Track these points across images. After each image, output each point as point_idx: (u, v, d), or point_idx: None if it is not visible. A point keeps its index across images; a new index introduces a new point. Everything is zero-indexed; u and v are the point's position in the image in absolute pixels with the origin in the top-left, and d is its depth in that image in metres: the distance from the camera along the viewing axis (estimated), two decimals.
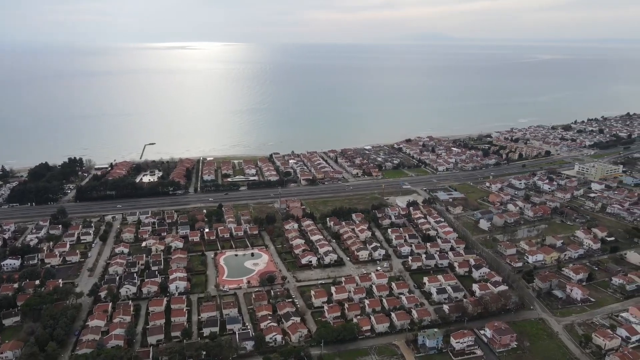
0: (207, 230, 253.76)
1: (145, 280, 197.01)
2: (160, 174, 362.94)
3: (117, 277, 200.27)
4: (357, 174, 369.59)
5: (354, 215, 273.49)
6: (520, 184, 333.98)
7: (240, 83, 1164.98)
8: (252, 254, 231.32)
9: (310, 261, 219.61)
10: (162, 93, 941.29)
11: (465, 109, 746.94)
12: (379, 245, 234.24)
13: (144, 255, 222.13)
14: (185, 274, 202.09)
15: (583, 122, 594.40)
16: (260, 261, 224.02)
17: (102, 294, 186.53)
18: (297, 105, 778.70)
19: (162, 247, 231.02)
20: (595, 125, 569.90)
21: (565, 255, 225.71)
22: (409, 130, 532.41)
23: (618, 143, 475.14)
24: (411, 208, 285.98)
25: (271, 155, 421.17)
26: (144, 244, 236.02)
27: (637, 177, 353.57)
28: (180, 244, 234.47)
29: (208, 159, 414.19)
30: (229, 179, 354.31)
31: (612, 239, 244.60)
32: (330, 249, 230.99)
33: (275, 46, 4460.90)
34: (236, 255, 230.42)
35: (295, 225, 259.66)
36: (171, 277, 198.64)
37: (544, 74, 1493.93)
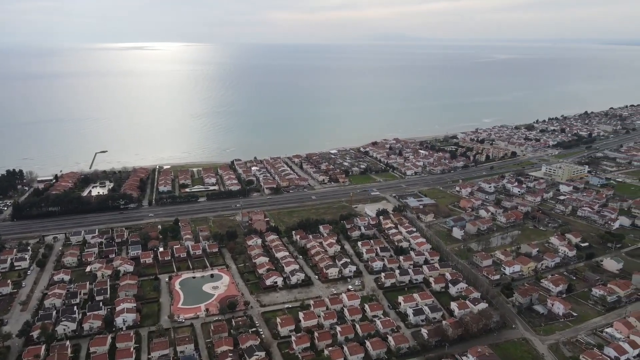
0: (161, 249, 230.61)
1: (88, 313, 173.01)
2: (111, 185, 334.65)
3: (54, 312, 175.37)
4: (324, 180, 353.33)
5: (321, 228, 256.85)
6: (490, 187, 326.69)
7: (201, 85, 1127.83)
8: (212, 276, 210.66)
9: (276, 282, 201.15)
10: (117, 96, 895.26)
11: (429, 109, 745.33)
12: (349, 261, 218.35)
13: (88, 282, 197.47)
14: (135, 304, 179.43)
15: (544, 121, 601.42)
16: (220, 284, 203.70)
17: (35, 333, 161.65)
18: (260, 108, 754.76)
19: (110, 272, 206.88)
20: (556, 124, 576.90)
21: (542, 264, 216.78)
22: (374, 132, 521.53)
23: (580, 142, 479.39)
24: (381, 217, 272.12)
25: (232, 162, 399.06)
26: (88, 268, 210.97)
27: (602, 177, 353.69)
28: (131, 267, 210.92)
29: (165, 167, 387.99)
30: (187, 190, 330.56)
31: (586, 244, 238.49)
32: (297, 267, 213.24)
33: (238, 46, 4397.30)
34: (194, 277, 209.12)
35: (259, 241, 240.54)
36: (118, 308, 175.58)
37: (502, 73, 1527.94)
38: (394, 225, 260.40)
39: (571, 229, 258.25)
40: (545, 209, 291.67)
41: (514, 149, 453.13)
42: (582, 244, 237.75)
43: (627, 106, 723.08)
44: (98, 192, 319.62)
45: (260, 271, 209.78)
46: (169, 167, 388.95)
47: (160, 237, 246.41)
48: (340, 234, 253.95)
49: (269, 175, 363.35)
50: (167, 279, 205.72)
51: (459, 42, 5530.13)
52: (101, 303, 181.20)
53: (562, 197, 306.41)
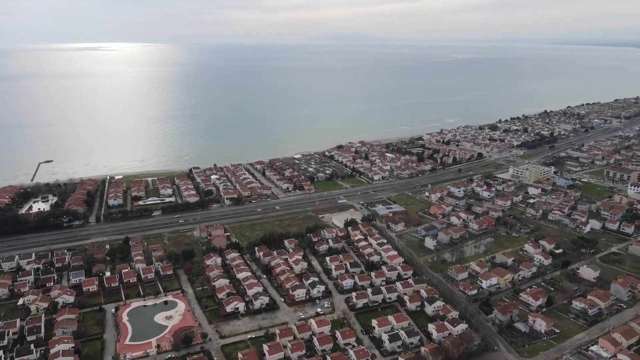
0: (108, 274, 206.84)
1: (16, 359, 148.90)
2: (55, 200, 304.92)
3: None
4: (288, 188, 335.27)
5: (286, 242, 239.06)
6: (460, 192, 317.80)
7: (159, 87, 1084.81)
8: (166, 303, 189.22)
9: (237, 308, 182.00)
10: (66, 101, 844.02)
11: (393, 110, 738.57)
12: (317, 280, 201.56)
13: (19, 319, 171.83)
14: (73, 345, 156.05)
15: (507, 120, 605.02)
16: (174, 312, 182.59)
17: None
18: (221, 111, 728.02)
19: (46, 305, 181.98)
20: (518, 124, 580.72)
21: (519, 275, 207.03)
22: (339, 135, 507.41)
23: (543, 142, 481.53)
24: (350, 228, 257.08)
25: (191, 171, 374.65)
26: (20, 301, 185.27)
27: (568, 177, 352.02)
28: (71, 298, 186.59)
29: (116, 177, 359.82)
30: (141, 203, 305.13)
31: (560, 251, 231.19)
32: (261, 289, 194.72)
33: (197, 47, 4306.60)
34: (144, 306, 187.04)
35: (219, 260, 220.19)
36: (52, 350, 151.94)
37: (462, 72, 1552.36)
38: (363, 237, 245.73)
39: (543, 234, 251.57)
40: (516, 213, 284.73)
41: (480, 150, 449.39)
42: (557, 251, 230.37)
43: (583, 105, 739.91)
44: (39, 209, 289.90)
45: (220, 296, 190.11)
46: (121, 177, 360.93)
47: (108, 258, 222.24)
48: (306, 249, 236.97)
49: (229, 184, 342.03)
50: (113, 310, 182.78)
51: (419, 42, 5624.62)
52: (32, 345, 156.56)
53: (531, 201, 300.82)
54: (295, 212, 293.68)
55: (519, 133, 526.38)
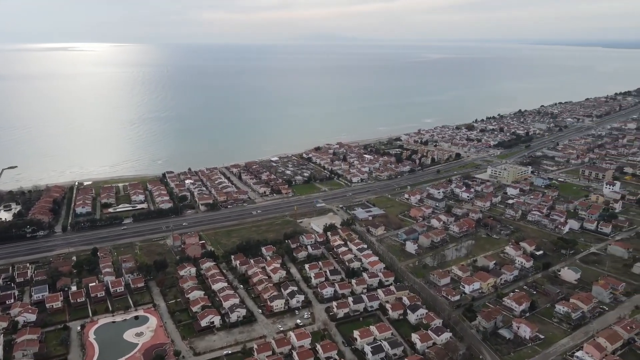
0: (74, 288, 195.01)
1: None
2: (18, 209, 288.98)
3: None
4: (265, 192, 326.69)
5: (264, 249, 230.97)
6: (439, 193, 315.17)
7: (132, 89, 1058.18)
8: (136, 318, 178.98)
9: (212, 322, 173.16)
10: (32, 103, 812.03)
11: (370, 110, 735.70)
12: (296, 289, 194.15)
13: None
14: None
15: (483, 120, 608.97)
16: (145, 328, 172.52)
17: None
18: (196, 112, 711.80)
19: (5, 324, 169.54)
20: (494, 123, 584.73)
21: (501, 279, 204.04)
22: (317, 136, 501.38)
23: (519, 141, 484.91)
24: (329, 233, 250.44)
25: (164, 175, 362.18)
26: None
27: (545, 177, 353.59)
28: (33, 316, 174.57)
29: (85, 184, 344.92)
30: (111, 210, 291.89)
31: (541, 252, 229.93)
32: (237, 300, 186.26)
33: (172, 47, 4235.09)
34: (113, 322, 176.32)
35: (193, 270, 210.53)
36: None
37: (438, 72, 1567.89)
38: (343, 242, 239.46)
39: (524, 235, 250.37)
40: (495, 214, 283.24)
41: (458, 150, 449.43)
42: (537, 252, 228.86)
43: (556, 104, 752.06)
44: (0, 219, 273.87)
45: (195, 309, 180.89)
46: (90, 183, 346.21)
47: (74, 271, 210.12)
48: (285, 256, 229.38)
49: (204, 189, 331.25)
50: (79, 328, 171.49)
51: (395, 42, 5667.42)
52: None
53: (510, 201, 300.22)
54: (273, 217, 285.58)
55: (496, 133, 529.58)
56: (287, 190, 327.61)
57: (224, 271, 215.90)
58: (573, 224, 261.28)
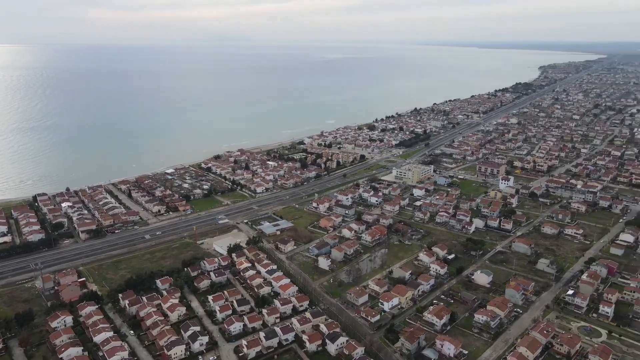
0: None
1: None
2: None
3: None
4: (159, 211, 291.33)
5: (159, 282, 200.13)
6: (348, 199, 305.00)
7: (5, 95, 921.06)
8: None
9: None
10: None
11: (271, 113, 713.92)
12: (198, 329, 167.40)
13: None
14: None
15: (382, 119, 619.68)
16: None
17: None
18: (76, 120, 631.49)
19: None
20: (394, 122, 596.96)
21: (419, 290, 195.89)
22: (216, 144, 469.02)
23: (418, 140, 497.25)
24: (234, 255, 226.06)
25: (35, 198, 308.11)
26: None
27: (446, 175, 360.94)
28: None
29: None
30: None
31: (453, 256, 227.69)
32: (126, 353, 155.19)
33: (53, 48, 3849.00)
34: None
35: (69, 319, 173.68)
36: None
37: (335, 72, 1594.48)
38: (250, 264, 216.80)
39: (434, 239, 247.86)
40: (405, 218, 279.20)
41: (362, 151, 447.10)
42: (449, 257, 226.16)
43: (446, 101, 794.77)
44: None
45: None
46: None
47: None
48: (185, 287, 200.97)
49: (86, 212, 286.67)
50: None
51: (292, 42, 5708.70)
52: None
53: (418, 203, 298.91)
54: (169, 240, 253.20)
55: (396, 132, 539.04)
56: (184, 207, 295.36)
57: (110, 315, 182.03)
58: (478, 222, 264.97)
